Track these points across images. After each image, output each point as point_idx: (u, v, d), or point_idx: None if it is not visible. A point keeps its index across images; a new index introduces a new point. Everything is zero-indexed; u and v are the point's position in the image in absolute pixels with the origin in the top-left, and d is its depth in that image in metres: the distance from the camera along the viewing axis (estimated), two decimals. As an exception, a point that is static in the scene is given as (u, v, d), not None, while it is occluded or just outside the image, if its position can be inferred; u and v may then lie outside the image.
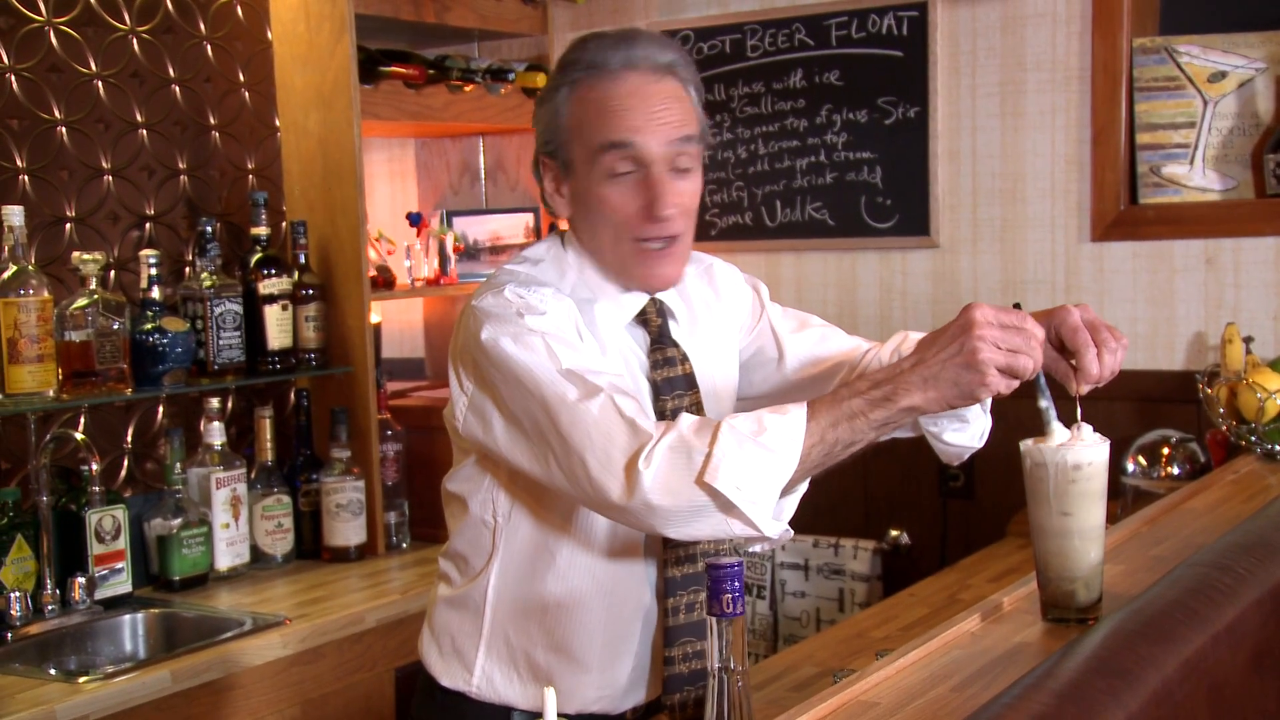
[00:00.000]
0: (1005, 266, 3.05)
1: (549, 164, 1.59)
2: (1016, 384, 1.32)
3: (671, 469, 1.34)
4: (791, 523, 1.41)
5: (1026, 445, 1.40)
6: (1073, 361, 1.44)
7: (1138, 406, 2.86)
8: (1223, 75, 2.82)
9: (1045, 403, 1.40)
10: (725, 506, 1.33)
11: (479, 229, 3.48)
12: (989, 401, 1.60)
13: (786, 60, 3.25)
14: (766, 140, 3.30)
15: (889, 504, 3.17)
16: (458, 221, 3.44)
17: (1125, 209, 2.91)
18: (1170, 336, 2.87)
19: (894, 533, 3.06)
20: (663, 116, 1.52)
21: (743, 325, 1.78)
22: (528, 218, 3.53)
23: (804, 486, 1.43)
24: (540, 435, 1.44)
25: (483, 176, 3.65)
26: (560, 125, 1.55)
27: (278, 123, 3.06)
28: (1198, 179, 2.85)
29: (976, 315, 1.32)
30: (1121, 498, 2.67)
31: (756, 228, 3.32)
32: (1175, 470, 2.64)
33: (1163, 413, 2.81)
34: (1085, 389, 1.42)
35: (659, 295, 1.63)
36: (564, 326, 1.50)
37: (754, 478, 1.32)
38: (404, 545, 3.05)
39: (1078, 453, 1.37)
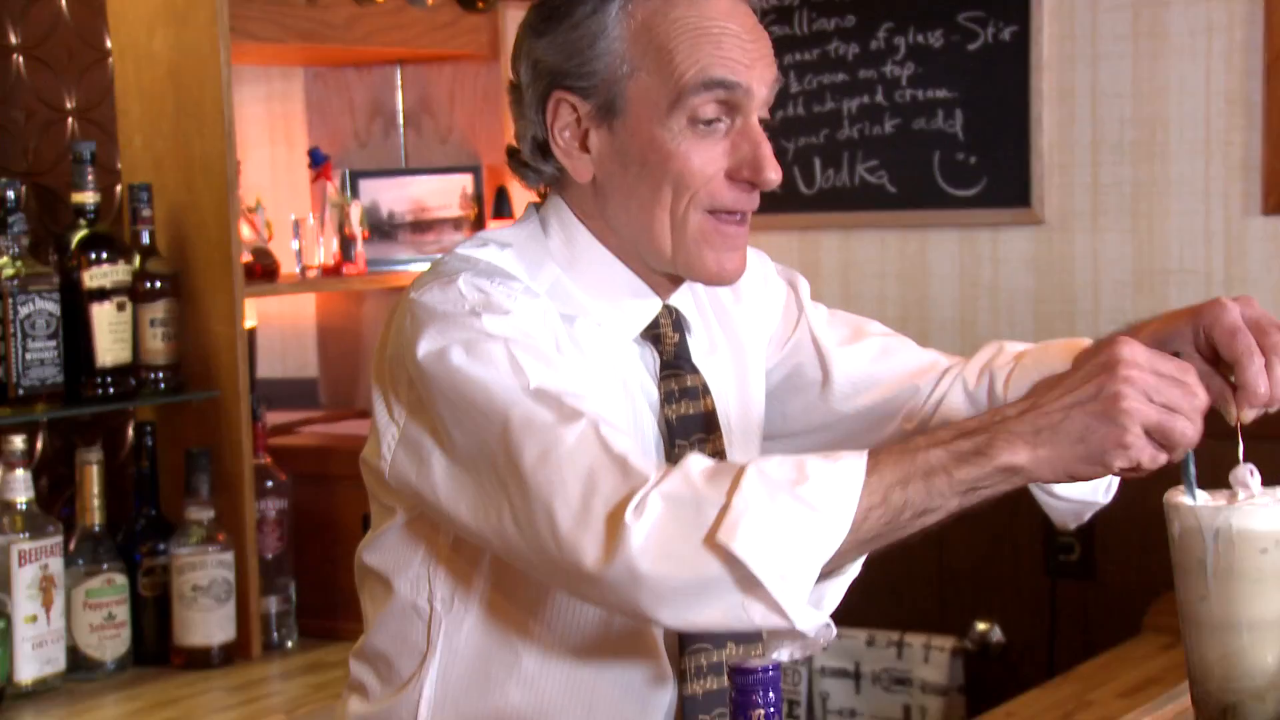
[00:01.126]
0: (1139, 252, 3.08)
1: (570, 103, 1.60)
2: (1164, 459, 1.34)
3: (672, 523, 1.35)
4: (835, 616, 1.43)
5: (1174, 500, 1.42)
6: (1231, 378, 1.46)
7: None
8: None
9: (1190, 493, 1.44)
10: (744, 581, 1.34)
11: (396, 196, 3.49)
12: None
13: (830, -39, 3.35)
14: (801, 73, 3.35)
15: (974, 584, 3.20)
16: (366, 186, 3.46)
17: None
18: (1377, 349, 2.82)
19: (982, 626, 3.16)
20: (763, 51, 1.58)
21: (773, 336, 1.83)
22: (465, 180, 3.55)
23: (855, 568, 1.46)
24: (494, 479, 1.47)
25: (401, 122, 3.66)
26: (607, 50, 1.58)
27: (109, 43, 3.02)
28: None
29: (1125, 352, 1.34)
30: None
31: (788, 196, 3.38)
32: None
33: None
34: (1250, 415, 1.44)
35: (673, 301, 1.67)
36: (535, 331, 1.53)
37: (787, 542, 1.34)
38: (289, 644, 3.03)
39: (1248, 514, 1.39)
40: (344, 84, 3.68)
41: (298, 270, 3.26)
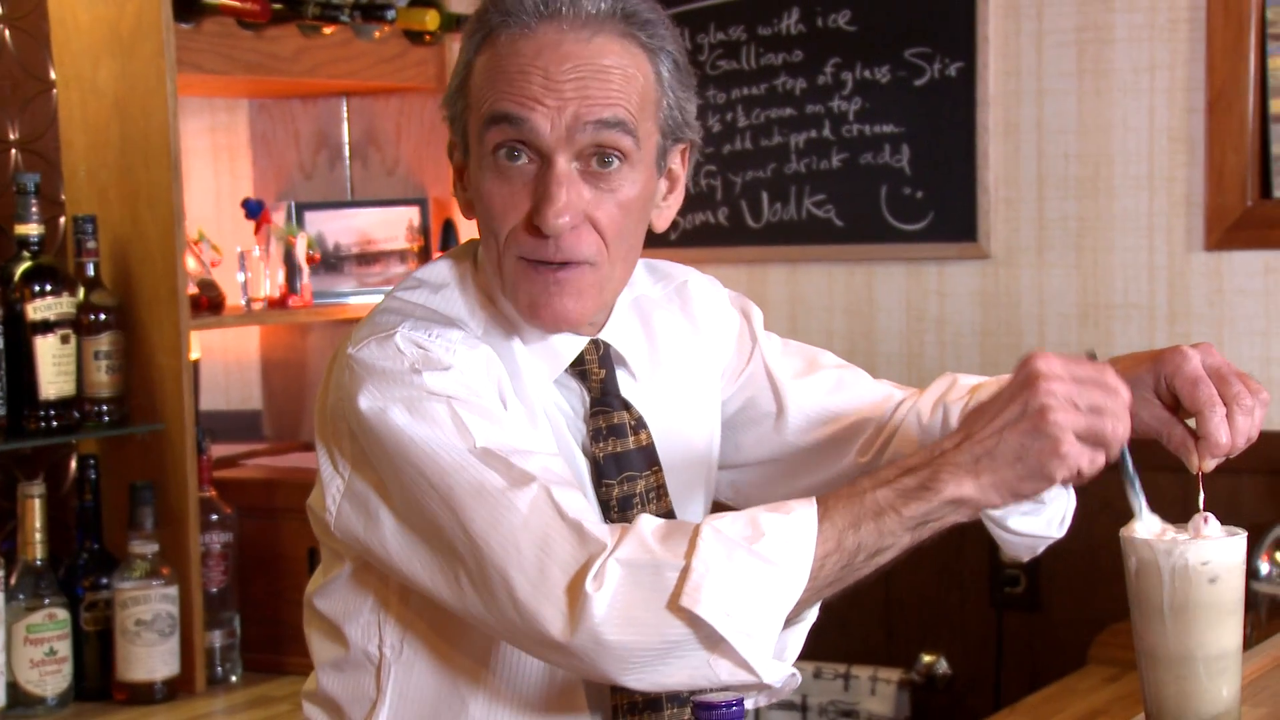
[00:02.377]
0: (1084, 286, 3.09)
1: (454, 143, 1.64)
2: (1103, 460, 1.36)
3: (633, 590, 1.36)
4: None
5: (1130, 536, 1.43)
6: (1192, 423, 1.46)
7: (1270, 483, 2.86)
8: (1390, 19, 2.88)
9: (1134, 492, 1.44)
10: (710, 641, 1.35)
11: (342, 228, 3.49)
12: None
13: (779, -6, 3.33)
14: (749, 107, 3.35)
15: (921, 617, 3.20)
16: (312, 218, 3.45)
17: (1254, 205, 2.93)
18: (1318, 383, 2.92)
19: (928, 658, 3.16)
20: (573, 87, 1.52)
21: (728, 368, 1.81)
22: (411, 213, 3.55)
23: (813, 614, 1.47)
24: (445, 543, 1.46)
25: (347, 154, 3.66)
26: (463, 89, 1.60)
27: (53, 74, 3.02)
28: (1355, 164, 2.90)
29: (1041, 365, 1.36)
30: (1252, 611, 2.67)
31: (734, 229, 3.38)
32: None
33: (1310, 491, 2.85)
34: (1211, 464, 1.45)
35: (604, 335, 1.65)
36: (478, 386, 1.52)
37: (749, 599, 1.35)
38: (233, 678, 3.02)
39: (1204, 549, 1.39)
40: (289, 116, 3.67)
41: (243, 302, 3.24)
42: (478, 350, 1.54)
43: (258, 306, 3.25)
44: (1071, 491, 1.63)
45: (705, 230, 3.38)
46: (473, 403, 1.48)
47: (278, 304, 3.27)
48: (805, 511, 1.37)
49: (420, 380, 1.48)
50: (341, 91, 3.58)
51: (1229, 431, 1.43)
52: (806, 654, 3.38)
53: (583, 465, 1.62)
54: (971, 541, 2.99)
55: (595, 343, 1.63)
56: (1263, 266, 2.92)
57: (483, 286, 1.62)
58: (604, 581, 1.35)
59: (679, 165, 1.64)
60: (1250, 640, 2.61)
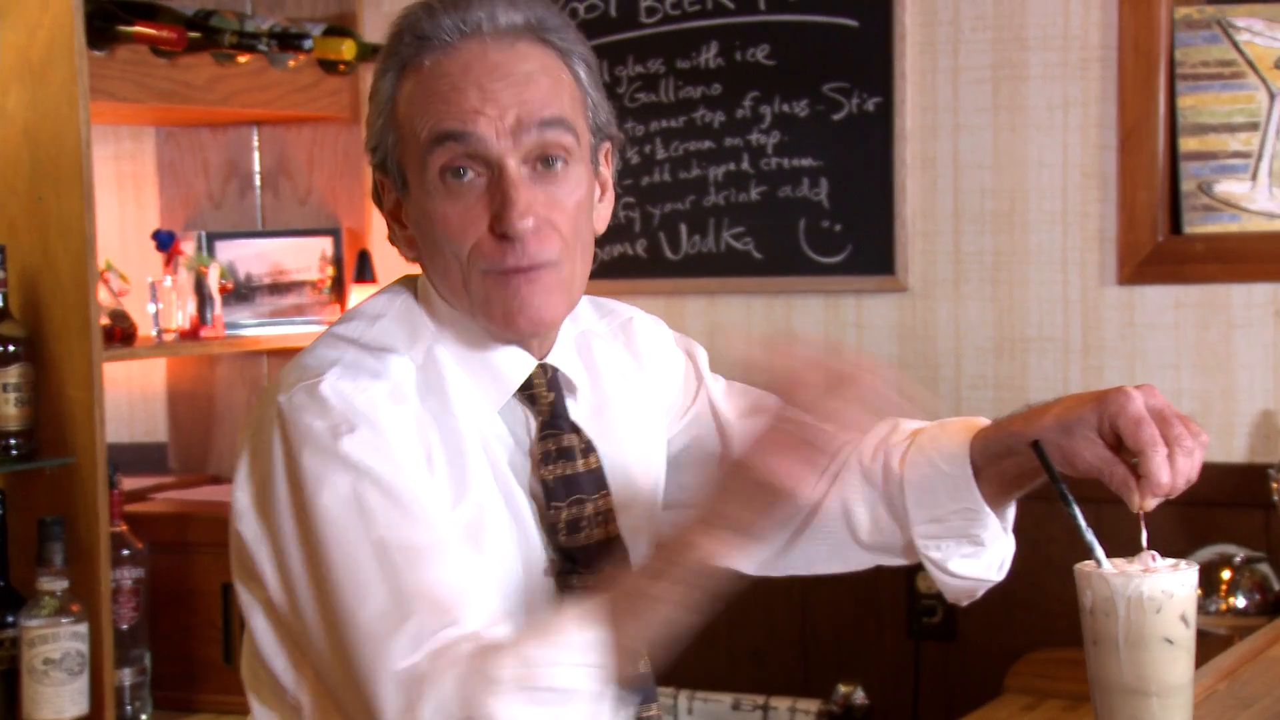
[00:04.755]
0: (999, 319, 3.11)
1: (384, 183, 1.62)
2: (823, 464, 1.37)
3: None
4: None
5: (1086, 569, 1.44)
6: (1135, 461, 1.48)
7: (1184, 513, 2.87)
8: (1295, 60, 2.93)
9: (1082, 530, 1.45)
10: None
11: (254, 258, 3.49)
12: (1010, 517, 1.69)
13: (697, 29, 3.31)
14: (667, 140, 3.35)
15: (837, 647, 3.20)
16: (223, 247, 3.45)
17: (1164, 241, 2.98)
18: (1228, 416, 2.94)
19: (844, 688, 3.10)
20: (509, 94, 1.54)
21: (673, 406, 1.79)
22: (324, 243, 3.55)
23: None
24: (322, 615, 1.49)
25: (258, 183, 3.66)
26: (390, 124, 1.59)
27: None
28: (1263, 200, 2.93)
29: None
30: None
31: (652, 261, 3.38)
32: (1240, 601, 2.72)
33: (1219, 522, 2.87)
34: (1153, 504, 1.47)
35: (551, 360, 1.64)
36: (394, 457, 1.51)
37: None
38: (144, 717, 3.01)
39: (1158, 581, 1.41)
40: (198, 144, 3.65)
41: (155, 333, 3.22)
42: (404, 406, 1.53)
43: (169, 337, 3.23)
44: (1010, 535, 1.66)
45: (623, 262, 3.37)
46: (385, 483, 1.48)
47: (189, 335, 3.25)
48: (578, 637, 1.39)
49: (339, 448, 1.48)
50: (253, 120, 3.57)
51: (1170, 471, 1.44)
52: (724, 685, 3.41)
53: (522, 497, 1.60)
54: (888, 572, 3.00)
55: (543, 366, 1.63)
56: (1173, 301, 2.96)
57: (424, 318, 1.61)
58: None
59: (605, 166, 1.65)
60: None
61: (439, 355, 1.59)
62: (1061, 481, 1.48)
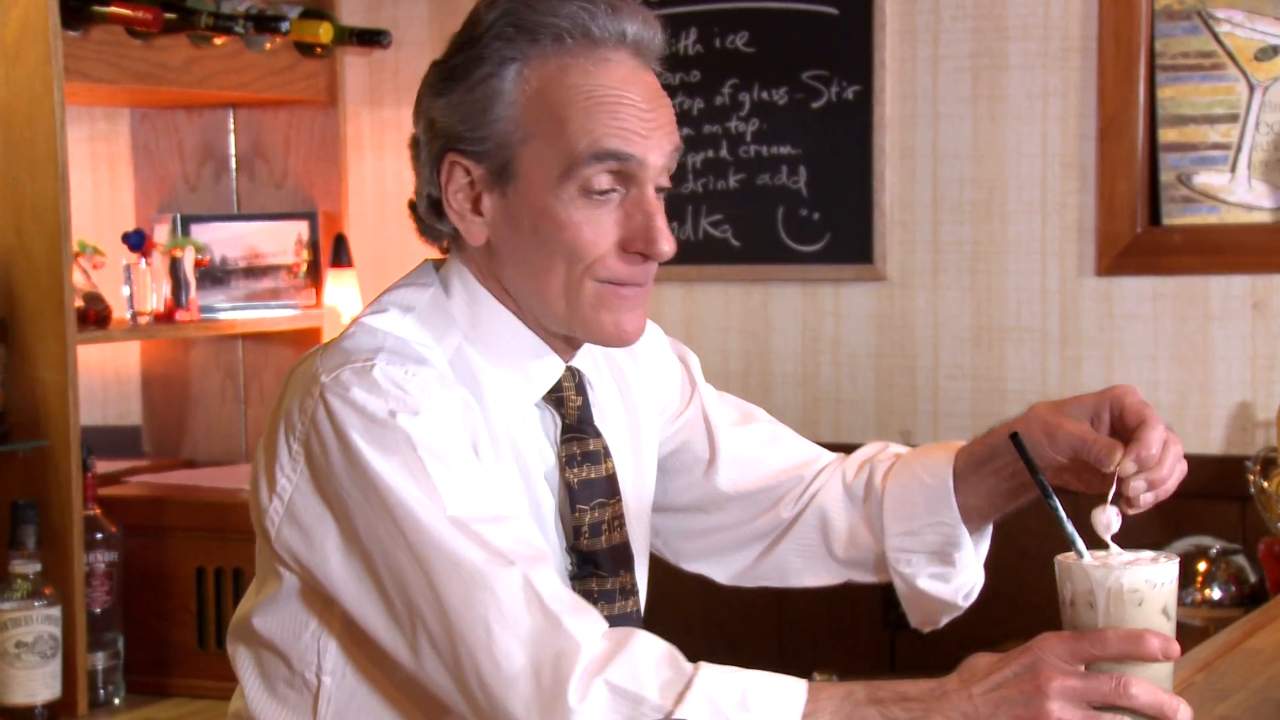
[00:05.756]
0: (977, 308, 3.12)
1: (464, 166, 1.58)
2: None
3: (613, 717, 1.37)
4: None
5: (1066, 563, 1.44)
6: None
7: (1161, 505, 2.87)
8: (1275, 51, 2.90)
9: (1062, 522, 1.46)
10: None
11: (229, 241, 3.46)
12: (985, 545, 1.74)
13: (676, 15, 3.32)
14: None
15: (813, 637, 3.21)
16: (198, 230, 3.42)
17: (1143, 232, 2.99)
18: (1205, 408, 2.96)
19: (820, 676, 3.12)
20: (663, 120, 1.55)
21: (667, 409, 1.80)
22: (300, 227, 3.53)
23: None
24: (409, 601, 1.46)
25: (233, 166, 3.64)
26: (502, 115, 1.55)
27: None
28: (1241, 192, 2.94)
29: (1049, 659, 1.39)
30: None
31: None
32: (1216, 593, 2.72)
33: (1195, 514, 2.88)
34: (1132, 467, 1.48)
35: (576, 364, 1.65)
36: (452, 436, 1.50)
37: None
38: (116, 701, 2.99)
39: (1139, 574, 1.40)
40: (173, 126, 3.62)
41: (129, 316, 3.20)
42: (452, 392, 1.52)
43: (144, 320, 3.21)
44: (981, 566, 1.70)
45: (600, 249, 3.39)
46: (448, 459, 1.47)
47: (164, 318, 3.22)
48: (795, 696, 1.39)
49: (398, 425, 1.46)
50: (229, 102, 3.54)
51: (1161, 449, 1.48)
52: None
53: (545, 496, 1.61)
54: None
55: (571, 370, 1.63)
56: (1151, 292, 2.97)
57: (460, 312, 1.60)
58: (588, 699, 1.36)
59: None
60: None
61: (469, 353, 1.59)
62: (1041, 473, 1.48)
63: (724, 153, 3.27)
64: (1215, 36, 2.93)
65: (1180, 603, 2.67)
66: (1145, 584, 1.40)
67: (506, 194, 1.56)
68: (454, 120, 1.56)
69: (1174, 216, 2.96)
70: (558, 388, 1.63)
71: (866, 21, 3.14)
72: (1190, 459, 2.94)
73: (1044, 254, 3.05)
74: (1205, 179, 2.94)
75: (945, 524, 1.68)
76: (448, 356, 1.58)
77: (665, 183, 1.58)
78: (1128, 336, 3.00)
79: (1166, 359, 2.97)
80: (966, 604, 1.70)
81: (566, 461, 1.62)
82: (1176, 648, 1.40)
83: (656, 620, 3.21)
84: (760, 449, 1.80)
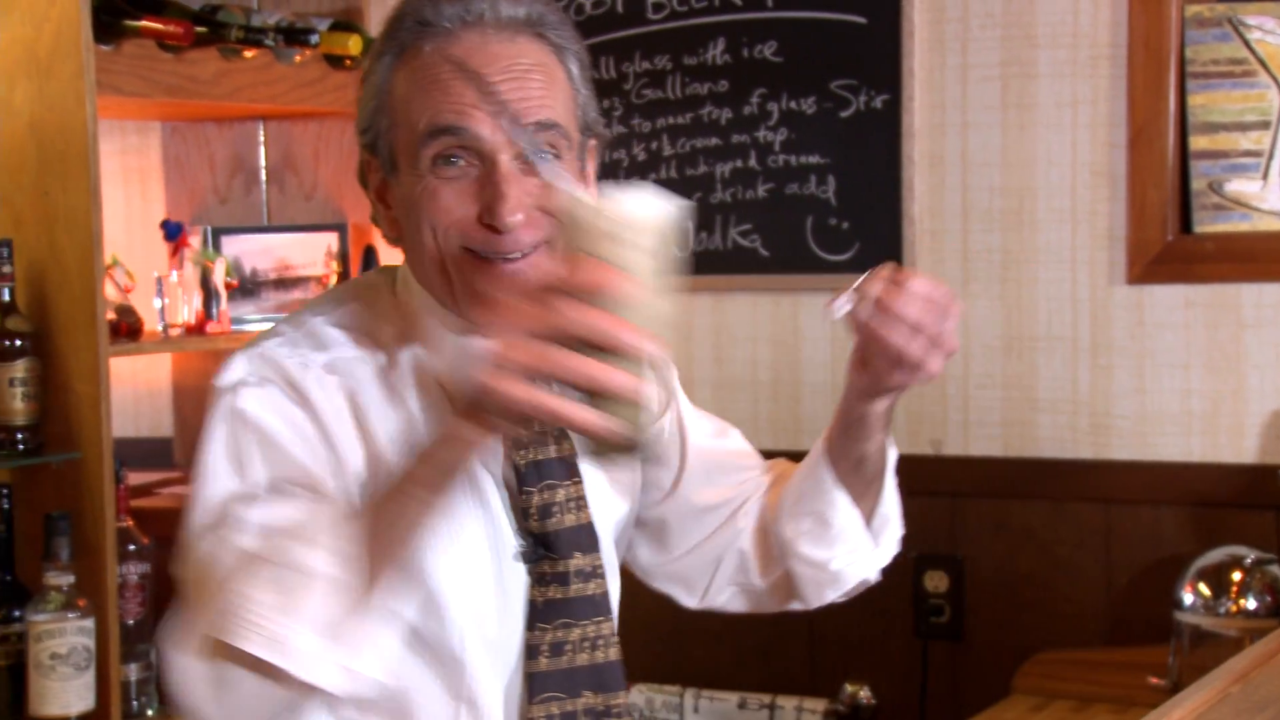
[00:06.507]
0: (1008, 317, 3.11)
1: (372, 164, 1.65)
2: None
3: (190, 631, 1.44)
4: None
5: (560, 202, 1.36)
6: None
7: (1194, 513, 2.90)
8: (1307, 58, 2.92)
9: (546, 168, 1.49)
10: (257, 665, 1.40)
11: (259, 253, 3.50)
12: (883, 519, 1.78)
13: (704, 25, 3.31)
14: (674, 136, 3.36)
15: (844, 647, 3.20)
16: (228, 242, 3.45)
17: (1174, 240, 2.97)
18: (1238, 416, 2.93)
19: (851, 688, 3.10)
20: (506, 89, 1.56)
21: None
22: (330, 239, 3.55)
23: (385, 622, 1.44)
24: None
25: (264, 178, 3.67)
26: (384, 107, 1.61)
27: None
28: (1273, 199, 2.92)
29: (512, 304, 1.32)
30: (1176, 639, 2.71)
31: None
32: (1251, 603, 2.68)
33: (1230, 523, 2.86)
34: (840, 302, 1.56)
35: None
36: (283, 415, 1.57)
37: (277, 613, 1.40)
38: (150, 712, 3.01)
39: (616, 206, 1.31)
40: (204, 139, 3.66)
41: (161, 328, 3.23)
42: (334, 378, 1.60)
43: (175, 332, 3.23)
44: (873, 543, 1.76)
45: (629, 259, 3.38)
46: (266, 435, 1.54)
47: (195, 330, 3.26)
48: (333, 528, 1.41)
49: (236, 399, 1.56)
50: (258, 115, 3.57)
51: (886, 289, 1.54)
52: (730, 684, 3.40)
53: (489, 483, 1.63)
54: (894, 571, 3.02)
55: None
56: (1183, 300, 2.95)
57: (398, 302, 1.66)
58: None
59: (590, 162, 1.69)
60: (1173, 670, 2.69)
61: (405, 343, 1.64)
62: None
63: (752, 162, 3.27)
64: (1246, 43, 2.92)
65: (1215, 613, 2.67)
66: (623, 218, 1.30)
67: (397, 183, 1.61)
68: (360, 120, 1.64)
69: (1205, 224, 2.95)
70: None
71: (895, 30, 3.13)
72: (1224, 468, 2.98)
73: (1074, 262, 3.05)
74: (1237, 186, 2.93)
75: (820, 481, 1.73)
76: (391, 340, 1.63)
77: (551, 144, 1.58)
78: (1159, 345, 2.98)
79: (1199, 367, 2.95)
80: (850, 575, 1.76)
81: (514, 442, 1.63)
82: (631, 285, 1.27)
83: (685, 631, 3.23)
84: (730, 463, 1.87)
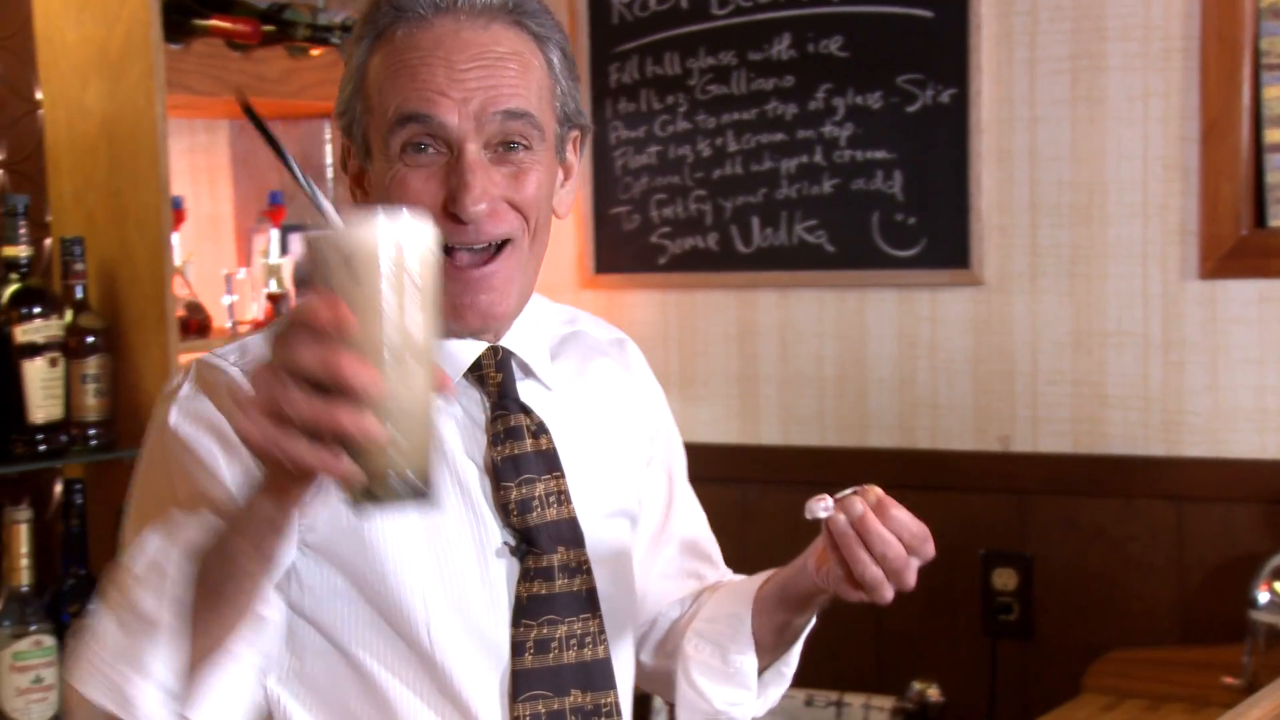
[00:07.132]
0: (1078, 313, 3.11)
1: (350, 149, 1.65)
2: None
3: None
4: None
5: (307, 237, 1.26)
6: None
7: (1269, 511, 2.87)
8: (1382, 51, 2.89)
9: (314, 196, 1.34)
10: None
11: (327, 250, 3.47)
12: (777, 678, 1.79)
13: (769, 21, 3.32)
14: (739, 132, 3.36)
15: (912, 645, 3.22)
16: (296, 240, 3.48)
17: (1249, 234, 2.96)
18: (1313, 413, 2.93)
19: (919, 686, 3.12)
20: (476, 77, 1.55)
21: (651, 434, 1.86)
22: (397, 235, 3.51)
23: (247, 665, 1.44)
24: None
25: (330, 176, 3.68)
26: (359, 92, 1.61)
27: (39, 95, 3.02)
28: (1350, 193, 2.90)
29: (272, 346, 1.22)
30: (1250, 639, 2.69)
31: (724, 254, 3.39)
32: None
33: (1303, 520, 2.86)
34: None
35: (505, 343, 1.67)
36: (211, 422, 1.57)
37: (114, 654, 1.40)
38: (219, 707, 2.96)
39: (351, 232, 1.21)
40: (272, 137, 3.71)
41: (229, 325, 3.24)
42: None
43: (244, 329, 3.23)
44: (758, 701, 1.75)
45: (695, 255, 3.37)
46: (191, 454, 1.54)
47: (263, 326, 3.25)
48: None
49: (169, 407, 1.57)
50: (325, 113, 3.58)
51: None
52: (797, 681, 3.40)
53: (470, 472, 1.61)
54: (962, 569, 3.02)
55: (494, 348, 1.64)
56: (1257, 295, 2.94)
57: None
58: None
59: (572, 153, 1.67)
60: (1248, 669, 2.67)
61: None
62: (282, 146, 1.40)
63: (818, 158, 3.28)
64: (1321, 35, 2.90)
65: (1286, 611, 2.64)
66: (358, 244, 1.19)
67: (371, 169, 1.60)
68: (338, 104, 1.64)
69: None
70: (477, 365, 1.64)
71: (962, 24, 3.12)
72: (1297, 464, 2.91)
73: (1145, 257, 3.03)
74: (1312, 180, 2.91)
75: (736, 616, 1.72)
76: None
77: (517, 147, 1.57)
78: (1233, 340, 2.96)
79: (1274, 363, 2.93)
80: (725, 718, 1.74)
81: (492, 440, 1.62)
82: (351, 320, 1.16)
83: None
84: (705, 547, 1.89)
